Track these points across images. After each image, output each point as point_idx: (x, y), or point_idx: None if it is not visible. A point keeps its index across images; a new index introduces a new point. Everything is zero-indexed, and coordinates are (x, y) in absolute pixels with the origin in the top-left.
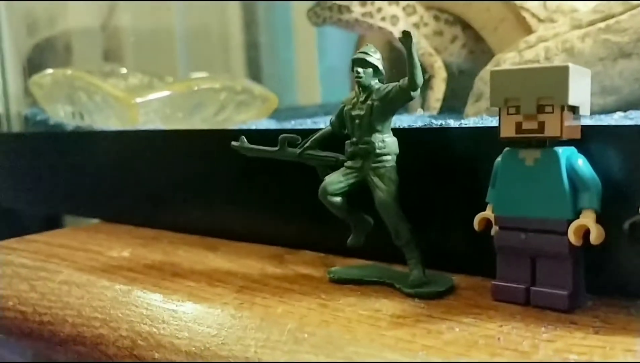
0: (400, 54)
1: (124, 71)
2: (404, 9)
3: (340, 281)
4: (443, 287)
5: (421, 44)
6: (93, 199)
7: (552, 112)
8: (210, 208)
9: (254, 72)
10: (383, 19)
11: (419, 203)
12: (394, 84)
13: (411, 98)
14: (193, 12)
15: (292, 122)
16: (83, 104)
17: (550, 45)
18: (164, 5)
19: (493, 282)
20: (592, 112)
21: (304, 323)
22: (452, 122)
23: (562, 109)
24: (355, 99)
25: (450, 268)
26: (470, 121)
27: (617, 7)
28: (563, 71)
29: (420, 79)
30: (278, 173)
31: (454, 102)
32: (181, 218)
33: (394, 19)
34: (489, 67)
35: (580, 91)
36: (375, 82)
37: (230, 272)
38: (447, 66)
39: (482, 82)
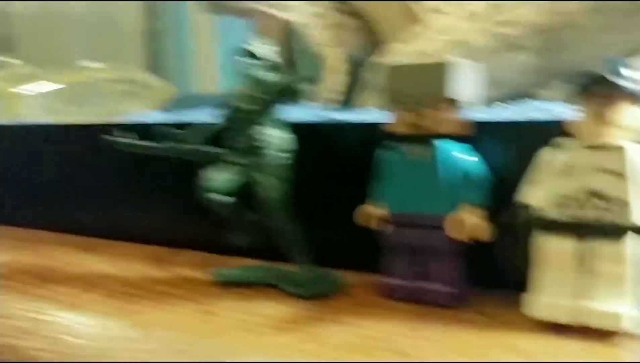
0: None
1: (17, 62)
2: None
3: (224, 284)
4: (331, 287)
5: (320, 36)
6: None
7: (439, 108)
8: (91, 206)
9: (153, 60)
10: (284, 9)
11: (305, 199)
12: (285, 77)
13: (302, 92)
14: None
15: (181, 113)
16: None
17: (443, 37)
18: None
19: (381, 280)
20: (481, 104)
21: (181, 331)
22: (342, 116)
23: (448, 104)
24: (245, 92)
25: (340, 265)
26: (359, 115)
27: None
28: (448, 67)
29: (311, 74)
30: (163, 168)
31: (351, 94)
32: (59, 217)
33: (294, 9)
34: (382, 59)
35: (466, 86)
36: (265, 75)
37: (109, 276)
38: (345, 58)
39: (374, 73)
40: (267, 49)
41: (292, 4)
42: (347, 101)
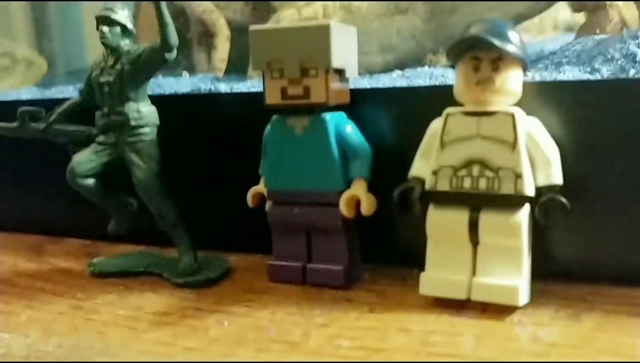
0: (179, 9)
1: None
2: None
3: (102, 275)
4: (216, 273)
5: (203, 1)
6: None
7: (317, 76)
8: None
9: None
10: None
11: (186, 178)
12: (146, 45)
13: (166, 60)
14: None
15: (53, 89)
16: None
17: (328, 2)
18: None
19: (269, 262)
20: (372, 72)
21: (50, 332)
22: (223, 87)
23: (327, 72)
24: (103, 64)
25: (227, 247)
26: (246, 85)
27: None
28: (324, 31)
29: (173, 39)
30: (37, 152)
31: (238, 61)
32: None
33: None
34: (269, 24)
35: (346, 52)
36: (125, 43)
37: None
38: (231, 24)
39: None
40: (123, 15)
41: None
42: (234, 69)
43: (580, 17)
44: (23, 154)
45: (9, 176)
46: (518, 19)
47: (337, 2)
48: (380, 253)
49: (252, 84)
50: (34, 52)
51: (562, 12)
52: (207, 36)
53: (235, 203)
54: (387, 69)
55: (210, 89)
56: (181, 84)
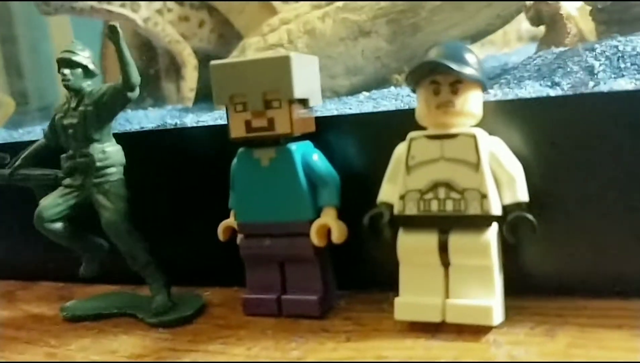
0: (146, 41)
1: None
2: None
3: (75, 319)
4: (191, 310)
5: (167, 31)
6: None
7: (281, 107)
8: None
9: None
10: (122, 5)
11: (155, 215)
12: (109, 85)
13: (129, 100)
14: None
15: (20, 131)
16: None
17: (292, 27)
18: None
19: (243, 296)
20: (339, 94)
21: None
22: (190, 119)
23: (291, 103)
24: (67, 106)
25: (202, 282)
26: (213, 116)
27: None
28: (285, 62)
29: (135, 78)
30: (4, 195)
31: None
32: None
33: (135, 5)
34: (235, 53)
35: (308, 81)
36: (87, 84)
37: None
38: (197, 53)
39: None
40: (84, 56)
41: (139, 2)
42: (204, 98)
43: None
44: None
45: None
46: (479, 36)
47: (302, 27)
48: (354, 279)
49: (219, 115)
50: (1, 93)
51: (526, 23)
52: (175, 66)
53: (206, 237)
54: (354, 91)
55: (176, 123)
56: (150, 117)
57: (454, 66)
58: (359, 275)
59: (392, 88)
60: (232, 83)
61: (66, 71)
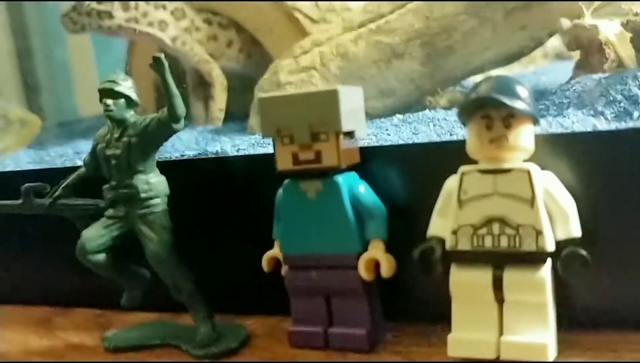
0: (175, 61)
1: None
2: (172, 13)
3: (117, 350)
4: (236, 342)
5: (195, 50)
6: None
7: (328, 140)
8: None
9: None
10: (150, 24)
11: (200, 240)
12: (153, 116)
13: (174, 131)
14: None
15: (52, 153)
16: None
17: (325, 50)
18: None
19: (290, 328)
20: (371, 117)
21: None
22: (229, 146)
23: (338, 136)
24: (109, 136)
25: (244, 310)
26: (250, 141)
27: (385, 6)
28: (333, 95)
29: (181, 109)
30: (38, 219)
31: (235, 109)
32: None
33: (163, 24)
34: (267, 75)
35: (354, 112)
36: (130, 115)
37: None
38: (226, 73)
39: (261, 92)
40: (126, 86)
41: (159, 18)
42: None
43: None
44: (27, 223)
45: (12, 246)
46: (512, 58)
47: (334, 49)
48: (400, 310)
49: (255, 139)
50: (26, 112)
51: (551, 40)
52: (203, 86)
53: (248, 266)
54: (386, 113)
55: (217, 151)
56: (183, 139)
57: (506, 101)
58: (405, 307)
59: (427, 111)
60: (279, 116)
61: (109, 102)
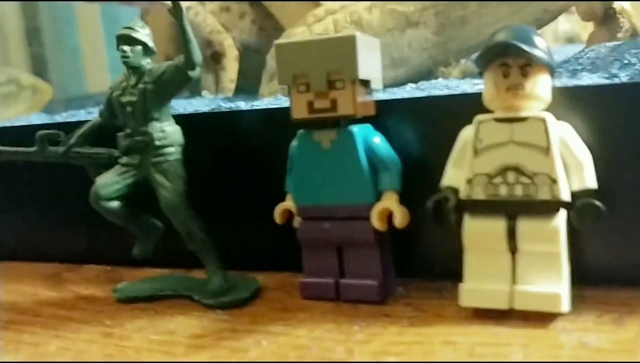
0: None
1: None
2: None
3: (128, 301)
4: (247, 292)
5: (208, 21)
6: None
7: (344, 88)
8: None
9: (37, 61)
10: None
11: (211, 197)
12: (169, 63)
13: (189, 79)
14: None
15: (64, 114)
16: None
17: (339, 17)
18: None
19: (300, 279)
20: (385, 86)
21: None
22: (243, 104)
23: (354, 83)
24: (125, 83)
25: (254, 266)
26: (263, 102)
27: None
28: (350, 41)
29: (197, 56)
30: (49, 175)
31: (245, 82)
32: None
33: None
34: (292, 39)
35: (370, 63)
36: (146, 62)
37: None
38: (238, 44)
39: (273, 60)
40: (144, 33)
41: None
42: (245, 88)
43: (586, 27)
44: (43, 180)
45: (21, 204)
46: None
47: (348, 17)
48: (411, 266)
49: (268, 102)
50: (38, 79)
51: (563, 24)
52: (215, 57)
53: (259, 221)
54: (399, 83)
55: (230, 106)
56: (195, 105)
57: (525, 48)
58: (416, 262)
59: (440, 80)
60: (296, 63)
61: (126, 48)
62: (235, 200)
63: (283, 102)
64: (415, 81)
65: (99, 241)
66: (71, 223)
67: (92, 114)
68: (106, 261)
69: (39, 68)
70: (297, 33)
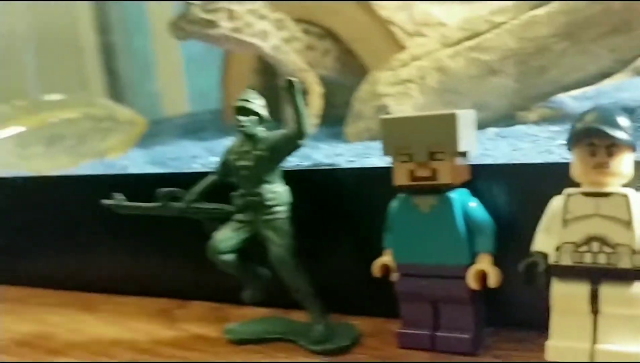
0: (271, 68)
1: None
2: (273, 23)
3: (239, 342)
4: (348, 340)
5: (293, 60)
6: None
7: (444, 160)
8: (82, 258)
9: (111, 76)
10: (253, 34)
11: (312, 245)
12: (281, 132)
13: (299, 146)
14: (38, 16)
15: (164, 154)
16: None
17: (423, 64)
18: (5, 10)
19: (398, 330)
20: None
21: None
22: (342, 161)
23: (454, 155)
24: (241, 149)
25: (351, 310)
26: (345, 150)
27: (481, 25)
28: (451, 119)
29: (308, 128)
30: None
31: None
32: (49, 271)
33: (264, 34)
34: (365, 85)
35: (468, 134)
36: (260, 130)
37: (115, 342)
38: (322, 80)
39: (360, 102)
40: (258, 104)
41: (261, 29)
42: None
43: None
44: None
45: (139, 239)
46: (601, 78)
47: (433, 63)
48: (501, 316)
49: (352, 147)
50: (133, 112)
51: None
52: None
53: (358, 269)
54: (480, 126)
55: (330, 163)
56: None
57: (609, 131)
58: (505, 314)
59: (519, 126)
60: (400, 136)
61: (243, 118)
62: (335, 248)
63: (375, 160)
64: (494, 125)
65: (205, 279)
66: (181, 260)
67: (195, 159)
68: (213, 298)
69: (115, 87)
70: (383, 77)
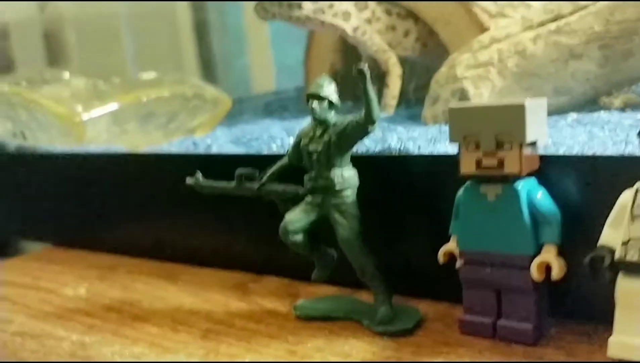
0: (352, 47)
1: (66, 75)
2: (355, 4)
3: (307, 318)
4: (411, 323)
5: (375, 40)
6: (43, 223)
7: (512, 149)
8: (169, 231)
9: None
10: (335, 15)
11: (380, 228)
12: (351, 118)
13: (368, 133)
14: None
15: (247, 134)
16: (24, 122)
17: (503, 47)
18: None
19: (460, 317)
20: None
21: None
22: (411, 147)
23: (521, 145)
24: (312, 133)
25: (416, 293)
26: (418, 134)
27: (566, 7)
28: (520, 110)
29: (377, 115)
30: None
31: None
32: (138, 242)
33: (346, 15)
34: (444, 68)
35: (537, 124)
36: (331, 116)
37: (193, 311)
38: (402, 61)
39: (438, 85)
40: (330, 90)
41: (343, 9)
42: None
43: None
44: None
45: (220, 217)
46: None
47: (512, 47)
48: (566, 308)
49: (427, 130)
50: (219, 91)
51: None
52: (378, 74)
53: (423, 253)
54: (559, 111)
55: (399, 149)
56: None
57: None
58: (570, 305)
59: (602, 113)
60: (467, 124)
61: (314, 104)
62: (402, 231)
63: (446, 148)
64: (576, 110)
65: (279, 256)
66: (258, 237)
67: (274, 139)
68: (285, 274)
69: (207, 64)
70: (462, 60)
